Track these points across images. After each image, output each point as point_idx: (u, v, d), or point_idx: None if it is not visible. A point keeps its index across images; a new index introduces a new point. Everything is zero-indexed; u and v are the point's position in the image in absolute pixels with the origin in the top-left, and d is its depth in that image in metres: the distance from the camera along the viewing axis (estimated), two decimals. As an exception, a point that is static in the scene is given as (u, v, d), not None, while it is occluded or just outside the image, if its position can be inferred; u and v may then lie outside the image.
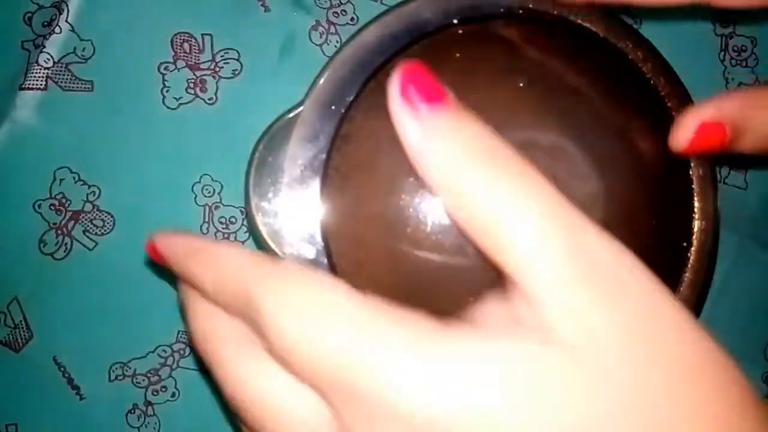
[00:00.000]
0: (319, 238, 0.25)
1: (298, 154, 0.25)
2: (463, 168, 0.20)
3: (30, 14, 0.37)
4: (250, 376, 0.21)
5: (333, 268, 0.25)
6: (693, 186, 0.26)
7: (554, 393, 0.18)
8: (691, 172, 0.26)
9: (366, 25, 0.25)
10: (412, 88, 0.20)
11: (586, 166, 0.26)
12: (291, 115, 0.25)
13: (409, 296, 0.22)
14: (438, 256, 0.23)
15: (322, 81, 0.25)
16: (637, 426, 0.18)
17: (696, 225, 0.26)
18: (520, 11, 0.26)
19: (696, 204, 0.26)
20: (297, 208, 0.25)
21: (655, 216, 0.27)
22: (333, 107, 0.25)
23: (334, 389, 0.19)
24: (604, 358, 0.18)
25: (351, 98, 0.25)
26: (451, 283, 0.24)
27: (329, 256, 0.25)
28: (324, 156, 0.25)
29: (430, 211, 0.25)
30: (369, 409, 0.19)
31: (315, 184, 0.25)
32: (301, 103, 0.25)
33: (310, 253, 0.25)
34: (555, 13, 0.26)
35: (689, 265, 0.26)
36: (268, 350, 0.21)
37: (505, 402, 0.18)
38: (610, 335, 0.19)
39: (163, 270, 0.38)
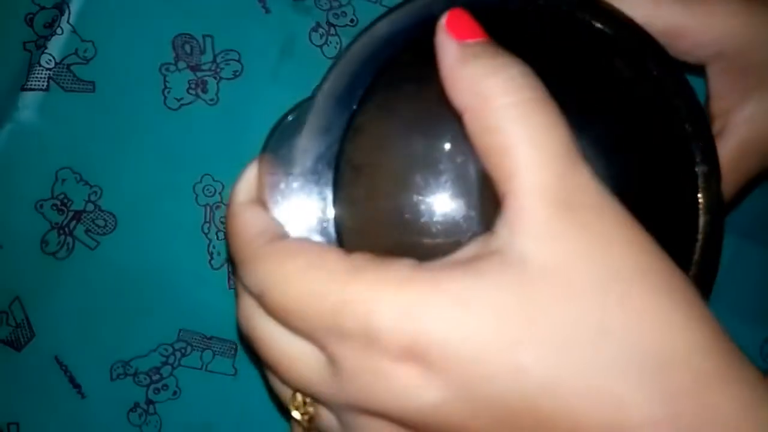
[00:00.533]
0: (331, 230, 0.25)
1: (310, 146, 0.25)
2: (488, 92, 0.22)
3: (31, 15, 0.37)
4: (259, 333, 0.24)
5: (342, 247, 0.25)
6: (697, 182, 0.27)
7: (514, 319, 0.20)
8: (696, 169, 0.27)
9: (378, 19, 0.26)
10: (458, 23, 0.23)
11: (590, 163, 0.26)
12: (303, 106, 0.25)
13: None
14: (450, 250, 0.23)
15: (334, 73, 0.25)
16: (585, 340, 0.20)
17: (701, 221, 0.26)
18: (529, 8, 0.26)
19: (700, 200, 0.26)
20: (309, 200, 0.25)
21: (659, 212, 0.27)
22: (345, 99, 0.25)
23: (326, 335, 0.22)
24: (565, 287, 0.20)
25: (363, 91, 0.25)
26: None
27: (341, 247, 0.24)
28: (336, 148, 0.25)
29: (443, 204, 0.25)
30: (355, 344, 0.21)
31: (327, 176, 0.25)
32: (313, 95, 0.25)
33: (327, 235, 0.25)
34: (564, 9, 0.26)
35: (693, 261, 0.26)
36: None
37: (465, 327, 0.20)
38: (577, 268, 0.20)
39: (164, 270, 0.38)
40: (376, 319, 0.21)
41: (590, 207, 0.21)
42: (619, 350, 0.20)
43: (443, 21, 0.24)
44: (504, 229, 0.21)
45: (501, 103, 0.22)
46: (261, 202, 0.25)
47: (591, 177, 0.22)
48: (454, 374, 0.20)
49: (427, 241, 0.25)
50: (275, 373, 0.24)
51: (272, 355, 0.24)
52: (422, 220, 0.25)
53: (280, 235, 0.24)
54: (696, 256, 0.26)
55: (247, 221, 0.24)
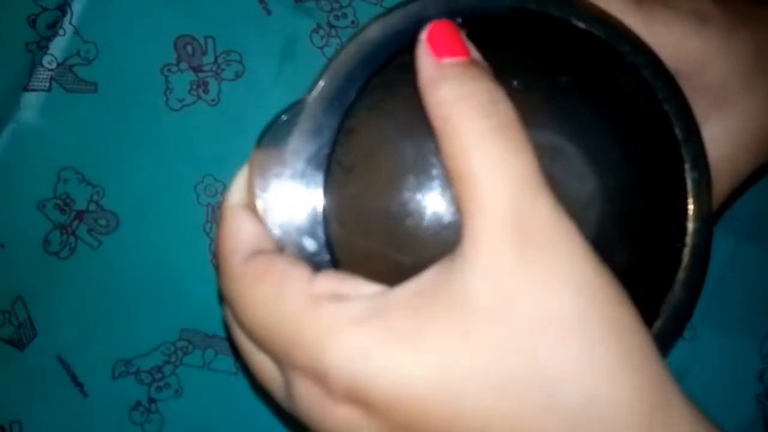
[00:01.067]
0: (321, 232, 0.25)
1: (301, 148, 0.24)
2: (454, 118, 0.22)
3: (34, 16, 0.38)
4: (235, 338, 0.25)
5: (335, 262, 0.24)
6: (688, 188, 0.27)
7: (456, 364, 0.20)
8: (686, 175, 0.27)
9: (371, 22, 0.26)
10: (439, 38, 0.23)
11: (583, 167, 0.26)
12: (295, 108, 0.25)
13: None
14: (440, 250, 0.23)
15: (326, 76, 0.25)
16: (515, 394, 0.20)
17: (690, 227, 0.27)
18: (523, 13, 0.26)
19: (690, 206, 0.27)
20: (299, 202, 0.25)
21: (650, 217, 0.27)
22: (337, 102, 0.25)
23: (281, 363, 0.23)
24: (505, 331, 0.20)
25: (355, 93, 0.25)
26: None
27: (331, 249, 0.24)
28: (327, 150, 0.25)
29: (434, 206, 0.25)
30: (305, 377, 0.22)
31: (318, 178, 0.25)
32: (305, 97, 0.25)
33: (312, 246, 0.24)
34: (557, 15, 0.26)
35: (683, 266, 0.26)
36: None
37: (409, 373, 0.20)
38: (518, 312, 0.20)
39: (166, 269, 0.39)
40: (324, 360, 0.21)
41: (544, 244, 0.21)
42: (547, 399, 0.20)
43: (424, 34, 0.23)
44: (459, 259, 0.21)
45: (465, 130, 0.22)
46: (251, 205, 0.25)
47: (551, 208, 0.21)
48: (394, 418, 0.21)
49: (414, 244, 0.25)
50: (252, 372, 0.25)
51: (246, 358, 0.25)
52: (411, 224, 0.25)
53: (256, 251, 0.24)
54: (685, 263, 0.26)
55: (231, 230, 0.24)
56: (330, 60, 0.25)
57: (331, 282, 0.22)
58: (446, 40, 0.23)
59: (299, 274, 0.23)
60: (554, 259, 0.21)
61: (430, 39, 0.23)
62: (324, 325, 0.21)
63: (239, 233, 0.24)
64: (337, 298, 0.22)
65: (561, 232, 0.21)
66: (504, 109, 0.22)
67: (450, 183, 0.22)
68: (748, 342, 0.42)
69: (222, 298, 0.26)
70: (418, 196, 0.25)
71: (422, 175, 0.25)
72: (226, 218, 0.25)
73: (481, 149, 0.21)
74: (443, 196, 0.25)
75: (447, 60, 0.23)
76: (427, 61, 0.23)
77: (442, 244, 0.24)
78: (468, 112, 0.22)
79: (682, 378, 0.41)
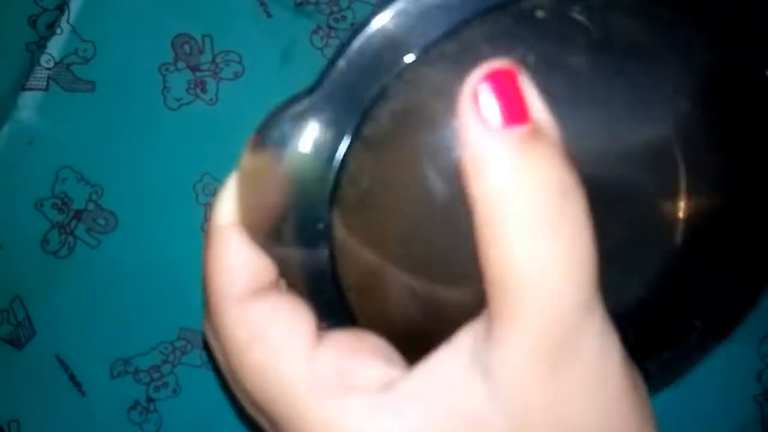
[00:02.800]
0: (324, 248, 0.21)
1: (306, 150, 0.20)
2: (510, 210, 0.17)
3: (35, 17, 0.38)
4: (220, 366, 0.22)
5: (337, 280, 0.22)
6: None
7: None
8: None
9: (382, 8, 0.20)
10: (492, 93, 0.17)
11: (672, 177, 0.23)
12: (298, 103, 0.20)
13: (420, 320, 0.21)
14: (453, 282, 0.21)
15: (337, 70, 0.20)
16: None
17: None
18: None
19: None
20: (302, 212, 0.21)
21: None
22: (348, 100, 0.20)
23: (270, 427, 0.21)
24: None
25: (373, 96, 0.20)
26: (465, 305, 0.20)
27: (334, 267, 0.22)
28: (336, 154, 0.20)
29: (448, 233, 0.22)
30: None
31: (323, 185, 0.21)
32: (311, 93, 0.20)
33: (315, 264, 0.21)
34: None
35: None
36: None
37: None
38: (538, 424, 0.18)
39: (164, 268, 0.39)
40: None
41: (580, 364, 0.18)
42: None
43: (470, 85, 0.17)
44: (485, 360, 0.18)
45: (520, 230, 0.17)
46: (244, 222, 0.21)
47: (598, 333, 0.18)
48: None
49: (424, 267, 0.22)
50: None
51: (237, 399, 0.22)
52: (423, 248, 0.22)
53: (252, 291, 0.21)
54: None
55: (222, 258, 0.21)
56: (338, 52, 0.20)
57: (336, 358, 0.20)
58: (502, 97, 0.17)
59: (300, 340, 0.20)
60: (587, 376, 0.18)
61: (479, 94, 0.17)
62: (324, 414, 0.19)
63: (231, 264, 0.21)
64: (341, 385, 0.19)
65: (601, 354, 0.18)
66: (575, 210, 0.17)
67: (482, 256, 0.18)
68: (747, 342, 0.42)
69: (205, 318, 0.23)
70: (433, 220, 0.22)
71: (440, 199, 0.21)
72: (215, 242, 0.21)
73: (539, 264, 0.17)
74: (459, 224, 0.20)
75: (503, 129, 0.17)
76: (473, 125, 0.17)
77: (454, 274, 0.22)
78: (528, 210, 0.17)
79: (681, 379, 0.40)
